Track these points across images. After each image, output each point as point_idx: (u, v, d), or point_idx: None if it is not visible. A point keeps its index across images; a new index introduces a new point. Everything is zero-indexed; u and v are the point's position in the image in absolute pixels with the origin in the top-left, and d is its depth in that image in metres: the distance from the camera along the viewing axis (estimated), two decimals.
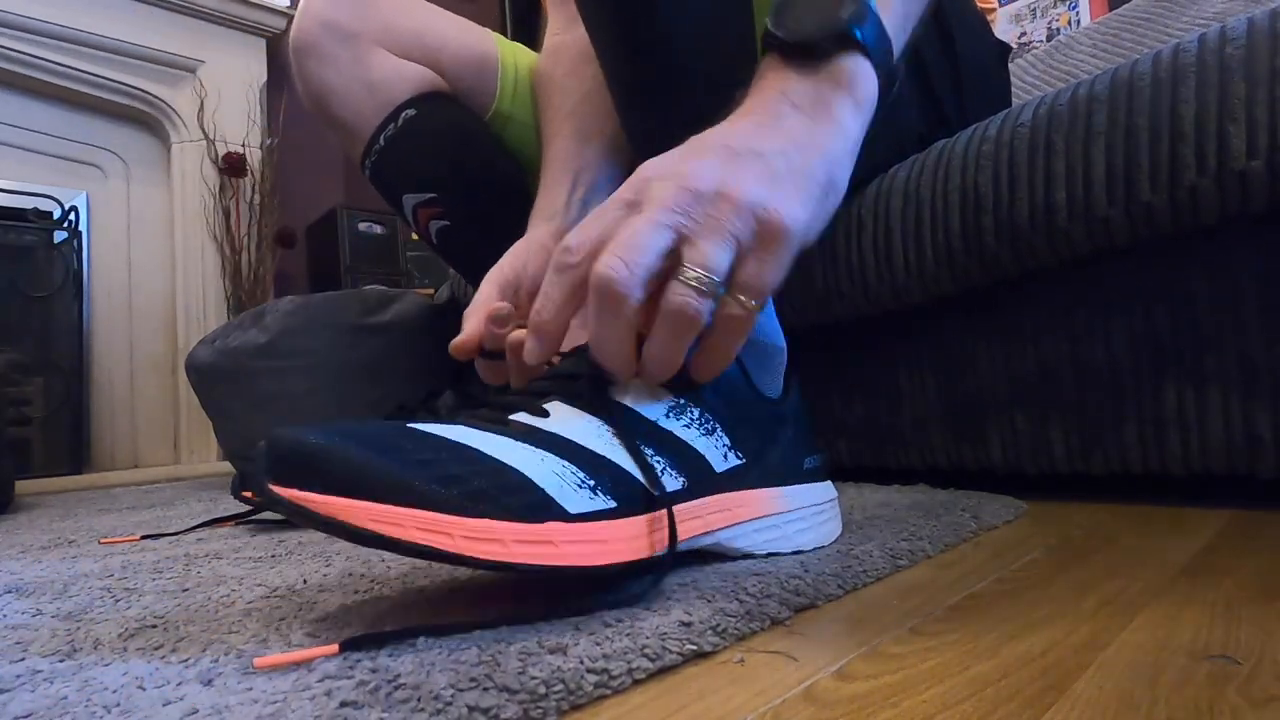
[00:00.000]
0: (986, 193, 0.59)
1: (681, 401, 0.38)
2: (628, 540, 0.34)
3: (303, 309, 1.14)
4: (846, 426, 0.76)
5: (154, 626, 0.35)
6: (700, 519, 0.39)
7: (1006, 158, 0.58)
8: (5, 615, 0.39)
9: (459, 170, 0.77)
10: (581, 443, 0.34)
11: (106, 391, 2.06)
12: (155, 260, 2.15)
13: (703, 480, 0.39)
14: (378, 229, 2.34)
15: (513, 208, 0.80)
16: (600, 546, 0.33)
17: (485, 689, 0.24)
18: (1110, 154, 0.53)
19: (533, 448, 0.33)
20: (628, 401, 0.37)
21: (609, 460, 0.35)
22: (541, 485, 0.32)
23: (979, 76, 0.76)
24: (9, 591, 0.45)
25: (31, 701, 0.26)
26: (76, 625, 0.36)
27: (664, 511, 0.35)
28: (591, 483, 0.33)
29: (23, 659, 0.31)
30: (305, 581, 0.42)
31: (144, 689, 0.26)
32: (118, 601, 0.40)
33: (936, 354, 0.69)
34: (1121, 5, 1.29)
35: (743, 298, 0.34)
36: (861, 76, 0.36)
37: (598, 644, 0.28)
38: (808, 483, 0.45)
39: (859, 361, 0.74)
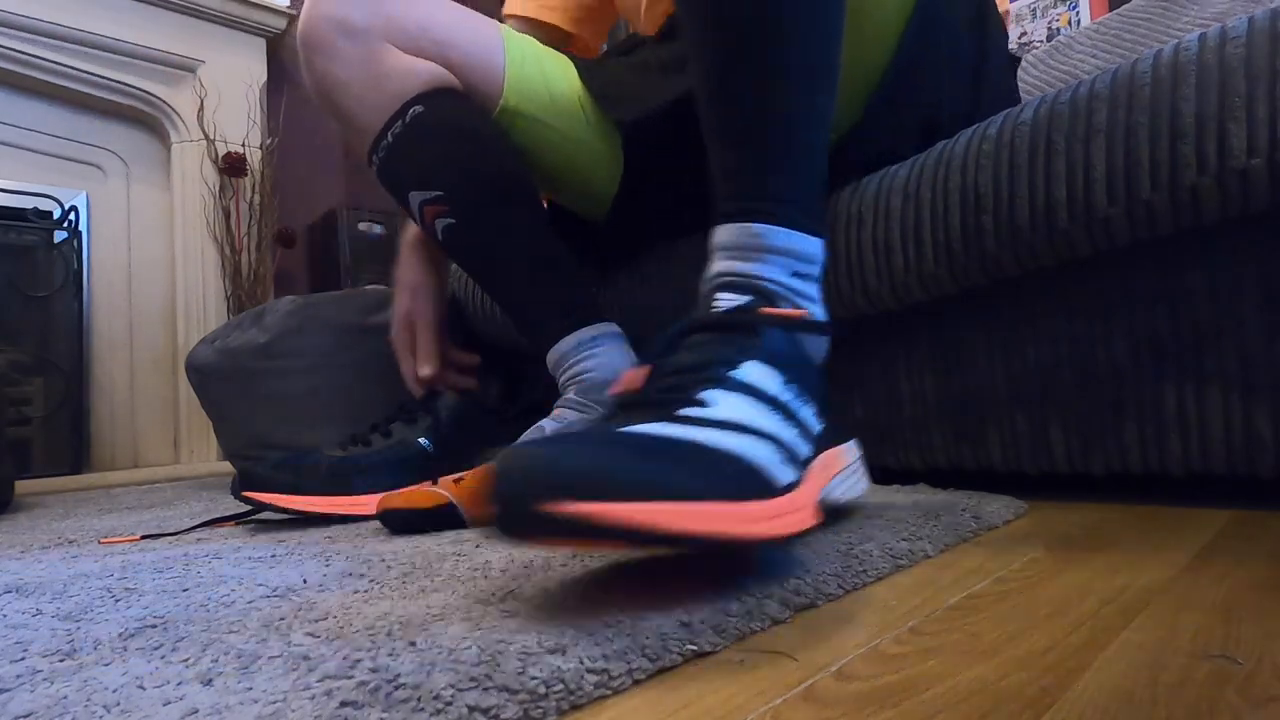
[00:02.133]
0: (986, 193, 0.59)
1: (784, 378, 0.42)
2: (813, 505, 0.38)
3: (303, 309, 1.14)
4: (846, 426, 0.76)
5: (154, 626, 0.35)
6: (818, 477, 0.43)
7: (1006, 157, 0.58)
8: (5, 615, 0.39)
9: (466, 168, 0.77)
10: (754, 425, 0.37)
11: (106, 391, 2.06)
12: (155, 260, 2.15)
13: (815, 443, 0.43)
14: (378, 229, 2.33)
15: (520, 207, 0.79)
16: (802, 514, 0.36)
17: (485, 689, 0.24)
18: (1111, 153, 0.53)
19: (731, 434, 0.35)
20: (752, 381, 0.40)
21: (777, 437, 0.38)
22: (763, 465, 0.35)
23: (998, 80, 0.76)
24: (9, 591, 0.45)
25: (31, 701, 0.26)
26: (76, 625, 0.36)
27: (811, 474, 0.40)
28: (779, 457, 0.37)
29: (23, 659, 0.31)
30: (305, 581, 0.42)
31: (144, 689, 0.26)
32: (118, 601, 0.40)
33: (936, 354, 0.68)
34: (1121, 5, 1.29)
35: None
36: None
37: (598, 644, 0.28)
38: (847, 440, 0.51)
39: (859, 361, 0.74)
